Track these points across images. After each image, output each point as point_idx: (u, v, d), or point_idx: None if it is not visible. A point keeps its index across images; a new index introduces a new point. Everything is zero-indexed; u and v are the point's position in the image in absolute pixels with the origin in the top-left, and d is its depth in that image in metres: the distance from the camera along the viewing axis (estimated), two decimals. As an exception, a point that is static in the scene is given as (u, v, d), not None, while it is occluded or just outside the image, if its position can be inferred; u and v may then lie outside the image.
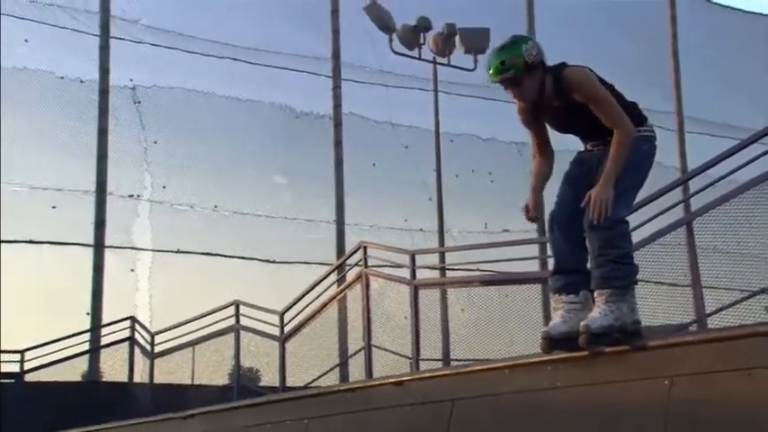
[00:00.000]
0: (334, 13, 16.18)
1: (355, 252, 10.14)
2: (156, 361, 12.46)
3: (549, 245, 4.15)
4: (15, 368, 12.17)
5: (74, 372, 12.75)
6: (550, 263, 4.18)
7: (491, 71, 3.90)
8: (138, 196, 14.33)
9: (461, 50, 14.24)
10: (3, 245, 13.14)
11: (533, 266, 10.46)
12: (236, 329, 11.49)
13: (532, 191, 4.15)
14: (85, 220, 13.72)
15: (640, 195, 4.15)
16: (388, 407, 4.80)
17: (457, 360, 9.09)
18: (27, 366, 12.19)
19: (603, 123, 3.85)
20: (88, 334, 13.06)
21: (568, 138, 4.16)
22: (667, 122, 17.62)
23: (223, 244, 14.62)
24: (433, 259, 11.20)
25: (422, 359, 9.01)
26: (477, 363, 6.07)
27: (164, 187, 14.50)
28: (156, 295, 13.98)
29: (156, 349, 12.53)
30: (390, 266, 9.77)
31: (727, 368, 3.19)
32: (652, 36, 18.87)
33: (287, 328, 10.74)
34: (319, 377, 10.17)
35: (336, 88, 15.97)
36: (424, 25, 14.24)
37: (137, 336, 12.87)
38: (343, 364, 10.30)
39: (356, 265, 10.02)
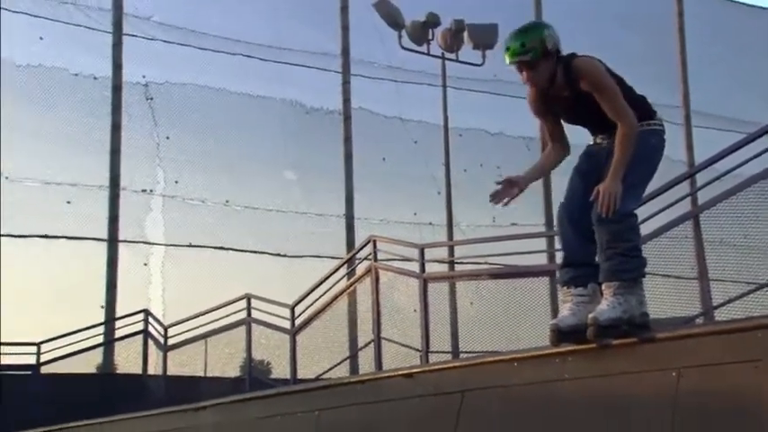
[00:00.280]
0: (344, 9, 16.16)
1: (365, 246, 10.13)
2: (170, 353, 12.50)
3: (557, 238, 4.14)
4: (32, 360, 12.24)
5: (89, 364, 12.81)
6: (558, 256, 4.17)
7: (509, 52, 3.87)
8: (151, 191, 14.38)
9: (470, 46, 14.22)
10: (18, 239, 13.20)
11: (541, 260, 10.43)
12: (248, 322, 11.51)
13: (531, 170, 4.13)
14: (99, 215, 13.77)
15: (648, 189, 4.13)
16: (399, 398, 4.79)
17: (466, 352, 9.08)
18: (43, 358, 12.26)
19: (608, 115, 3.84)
20: (103, 327, 13.12)
21: (579, 133, 4.14)
22: (674, 116, 17.54)
23: (234, 238, 14.64)
24: (442, 253, 11.20)
25: (431, 351, 9.01)
26: (486, 355, 6.08)
27: (176, 182, 14.53)
28: (168, 289, 14.03)
29: (170, 342, 12.57)
30: (399, 260, 9.77)
31: (735, 360, 3.17)
32: (659, 30, 18.77)
33: (298, 321, 10.76)
34: (330, 369, 10.19)
35: (346, 84, 15.96)
36: (432, 21, 14.21)
37: (150, 328, 12.91)
38: (353, 357, 10.31)
39: (366, 258, 10.02)
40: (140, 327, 12.92)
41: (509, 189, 4.02)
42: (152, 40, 14.66)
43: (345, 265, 10.95)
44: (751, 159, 6.08)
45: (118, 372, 13.05)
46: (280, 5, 15.73)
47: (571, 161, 4.13)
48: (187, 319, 12.27)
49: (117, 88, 14.22)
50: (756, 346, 3.11)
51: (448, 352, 9.40)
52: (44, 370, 12.21)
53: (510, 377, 4.10)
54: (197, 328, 12.11)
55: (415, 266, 9.43)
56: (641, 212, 4.08)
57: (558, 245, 4.13)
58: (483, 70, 14.71)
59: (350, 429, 5.10)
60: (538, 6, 17.47)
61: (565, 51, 3.97)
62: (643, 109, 3.93)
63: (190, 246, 14.34)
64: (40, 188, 13.53)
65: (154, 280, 14.02)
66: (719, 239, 6.71)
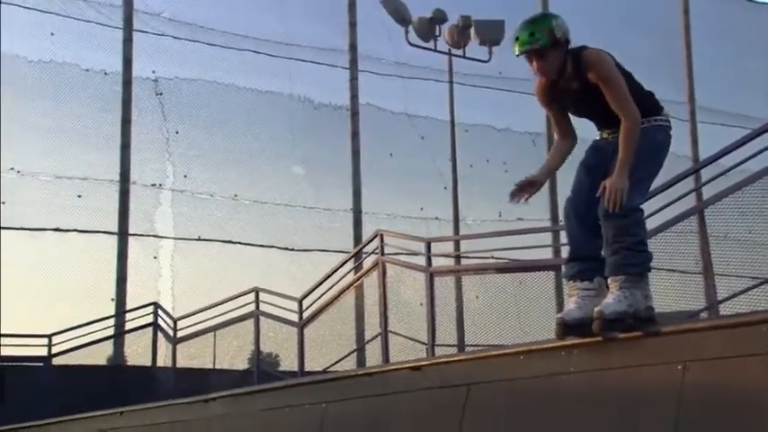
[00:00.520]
0: (352, 5, 16.13)
1: (372, 240, 10.13)
2: (179, 346, 12.52)
3: (563, 232, 4.13)
4: (44, 352, 12.28)
5: (99, 356, 12.85)
6: (564, 250, 4.17)
7: (518, 42, 3.86)
8: (161, 185, 14.39)
9: (476, 42, 14.20)
10: (30, 232, 13.24)
11: (547, 254, 10.41)
12: (256, 315, 11.51)
13: (544, 168, 4.12)
14: (110, 209, 13.80)
15: (654, 184, 4.11)
16: (405, 391, 4.79)
17: (472, 346, 9.07)
18: (55, 350, 12.29)
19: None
20: (113, 319, 13.15)
21: (585, 127, 4.13)
22: (680, 112, 17.48)
23: (243, 232, 14.66)
24: (449, 247, 11.14)
25: (437, 345, 9.00)
26: (492, 348, 6.07)
27: (185, 176, 14.55)
28: (178, 282, 14.05)
29: (179, 334, 12.59)
30: (406, 254, 9.76)
31: (740, 354, 3.17)
32: (665, 28, 18.69)
33: (305, 315, 10.76)
34: (337, 362, 10.19)
35: (354, 80, 15.94)
36: (439, 17, 14.20)
37: (160, 321, 12.93)
38: (360, 350, 10.31)
39: (373, 252, 10.01)
40: (150, 319, 12.94)
41: (528, 188, 4.01)
42: (162, 35, 14.67)
43: (353, 259, 10.95)
44: (755, 155, 6.06)
45: (128, 363, 13.09)
46: (288, 2, 15.72)
47: (578, 155, 4.12)
48: (196, 312, 12.28)
49: (127, 83, 14.24)
50: (761, 341, 3.10)
51: (454, 345, 9.39)
52: (56, 361, 12.24)
53: (516, 370, 4.09)
54: (206, 320, 12.12)
55: (421, 260, 9.42)
56: (647, 207, 4.07)
57: (563, 239, 4.13)
58: (490, 66, 14.69)
59: (357, 421, 5.11)
60: (544, 2, 17.41)
61: (574, 45, 3.96)
62: (650, 104, 3.92)
63: (199, 239, 14.36)
64: (52, 182, 13.57)
65: (163, 273, 14.06)
66: (724, 234, 6.68)
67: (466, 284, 9.52)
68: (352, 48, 16.04)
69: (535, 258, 9.31)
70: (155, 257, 14.06)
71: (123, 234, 13.73)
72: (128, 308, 13.30)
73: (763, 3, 20.20)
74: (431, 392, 4.62)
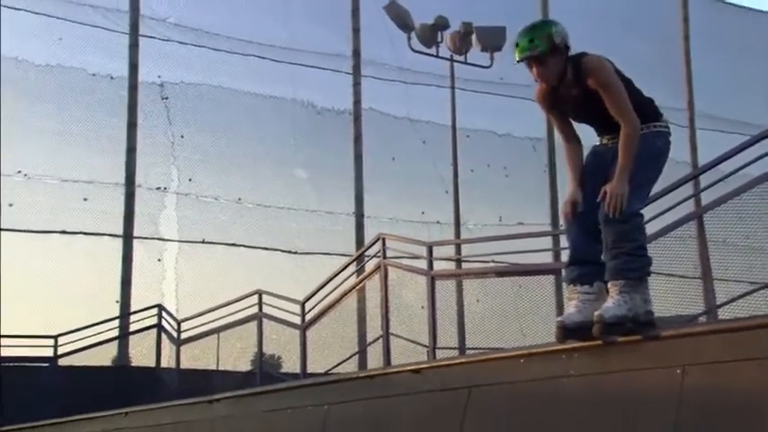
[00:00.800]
0: (355, 12, 16.15)
1: (374, 244, 10.13)
2: (183, 347, 12.52)
3: (563, 236, 4.12)
4: (50, 353, 12.28)
5: (104, 357, 12.85)
6: (564, 254, 4.16)
7: (518, 48, 3.87)
8: (166, 189, 14.39)
9: (478, 48, 14.21)
10: (37, 235, 13.25)
11: (547, 258, 10.41)
12: (259, 317, 11.51)
13: (575, 183, 3.99)
14: (115, 212, 13.80)
15: (654, 189, 4.11)
16: (406, 393, 4.79)
17: (472, 349, 9.06)
18: (61, 351, 12.29)
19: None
20: (118, 321, 13.15)
21: (585, 133, 4.12)
22: (679, 119, 17.47)
23: (247, 235, 14.66)
24: (450, 251, 11.18)
25: (438, 348, 8.99)
26: (493, 351, 6.06)
27: (190, 180, 14.55)
28: (182, 284, 14.05)
29: (183, 336, 12.59)
30: (408, 258, 9.76)
31: (738, 358, 3.16)
32: (664, 36, 18.70)
33: (308, 317, 10.76)
34: (339, 364, 10.18)
35: (356, 85, 15.95)
36: (441, 24, 14.21)
37: (164, 323, 12.93)
38: (361, 352, 10.30)
39: (375, 256, 10.01)
40: (154, 321, 12.94)
41: (575, 207, 3.95)
42: (167, 41, 14.69)
43: (355, 263, 10.95)
44: (754, 161, 6.06)
45: (132, 365, 13.09)
46: (292, 8, 15.74)
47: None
48: (200, 314, 12.28)
49: (133, 88, 14.25)
50: (759, 345, 3.10)
51: (455, 348, 9.39)
52: (62, 362, 12.25)
53: (516, 373, 4.08)
54: (209, 322, 12.12)
55: (423, 264, 9.42)
56: (647, 212, 4.06)
57: (563, 243, 4.12)
58: (491, 72, 14.69)
59: (358, 423, 5.10)
60: (545, 9, 17.43)
61: (574, 52, 3.95)
62: (649, 111, 3.91)
63: (203, 242, 14.36)
64: (58, 185, 13.57)
65: (168, 275, 14.05)
66: (723, 239, 6.68)
67: (467, 288, 9.52)
68: (356, 53, 16.05)
69: (535, 262, 9.30)
70: (159, 260, 14.07)
71: (128, 237, 13.73)
72: (132, 310, 13.30)
73: (762, 11, 20.21)
74: (432, 395, 4.61)
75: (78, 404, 9.56)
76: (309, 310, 10.76)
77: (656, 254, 4.55)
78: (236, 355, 12.19)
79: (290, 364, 11.37)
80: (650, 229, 5.80)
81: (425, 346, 9.07)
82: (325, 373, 9.63)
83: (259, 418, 6.17)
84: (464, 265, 11.13)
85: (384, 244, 9.72)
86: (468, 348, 9.21)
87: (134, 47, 14.34)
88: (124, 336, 13.11)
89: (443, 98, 15.05)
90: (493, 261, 9.89)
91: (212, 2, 15.51)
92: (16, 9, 13.53)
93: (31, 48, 13.75)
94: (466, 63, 14.46)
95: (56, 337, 12.31)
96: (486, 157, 16.65)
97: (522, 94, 13.79)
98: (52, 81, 13.87)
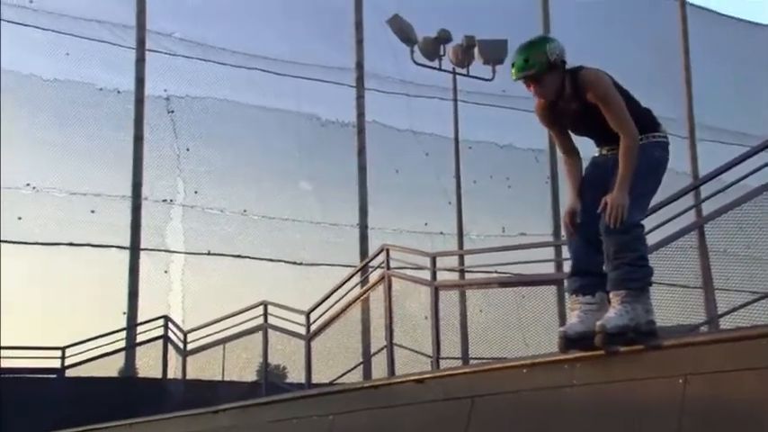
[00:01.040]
0: (358, 25, 16.20)
1: (378, 255, 10.12)
2: (189, 358, 12.51)
3: (565, 247, 4.11)
4: (57, 364, 12.27)
5: (111, 368, 12.84)
6: (566, 265, 4.15)
7: (514, 68, 3.87)
8: (172, 201, 14.42)
9: (480, 61, 14.25)
10: (44, 247, 13.27)
11: (549, 268, 10.39)
12: (265, 328, 11.51)
13: (574, 193, 4.02)
14: (122, 224, 13.82)
15: (653, 200, 4.11)
16: (410, 403, 4.77)
17: (475, 359, 9.04)
18: (68, 362, 12.29)
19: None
20: (125, 332, 13.15)
21: (584, 145, 4.13)
22: (679, 130, 17.48)
23: (252, 247, 14.66)
24: (453, 261, 11.17)
25: (442, 357, 8.97)
26: (496, 361, 6.04)
27: (195, 192, 14.57)
28: (188, 295, 14.05)
29: (189, 347, 12.58)
30: (412, 268, 9.75)
31: (740, 367, 3.15)
32: (665, 48, 18.72)
33: (312, 328, 10.75)
34: (343, 374, 10.16)
35: (360, 98, 15.98)
36: (444, 37, 14.26)
37: (170, 334, 12.93)
38: (366, 362, 10.29)
39: (379, 267, 10.01)
40: (160, 332, 12.94)
41: (574, 217, 3.97)
42: (173, 55, 14.75)
43: (359, 273, 10.95)
44: (754, 172, 6.06)
45: (139, 375, 13.07)
46: (296, 22, 15.79)
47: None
48: (206, 325, 12.28)
49: (139, 102, 14.30)
50: (761, 355, 3.08)
51: (458, 358, 9.37)
52: (69, 373, 12.24)
53: (519, 383, 4.07)
54: (215, 333, 12.12)
55: (426, 275, 9.41)
56: (648, 223, 4.06)
57: (565, 254, 4.11)
58: (493, 85, 14.73)
59: (363, 433, 5.08)
60: (546, 22, 17.47)
61: (572, 65, 3.96)
62: (647, 121, 3.92)
63: (209, 254, 14.37)
64: (66, 198, 13.60)
65: (174, 287, 14.05)
66: (724, 249, 6.67)
67: (470, 298, 9.51)
68: (359, 66, 16.09)
69: (538, 273, 9.29)
70: (165, 272, 14.07)
71: (135, 249, 13.75)
72: (139, 321, 13.30)
73: (761, 24, 20.24)
74: (435, 405, 4.59)
75: (86, 415, 9.54)
76: (314, 321, 10.75)
77: (657, 264, 4.55)
78: (241, 366, 12.17)
79: (295, 375, 11.36)
80: (651, 239, 5.80)
81: (429, 356, 9.05)
82: (330, 384, 9.61)
83: (264, 429, 6.16)
84: (467, 276, 11.13)
85: (388, 255, 9.72)
86: (472, 358, 9.19)
87: (140, 61, 14.40)
88: (131, 347, 13.11)
89: (446, 110, 15.08)
90: (496, 271, 9.89)
91: (217, 17, 15.57)
92: (25, 25, 13.62)
93: (40, 63, 13.82)
94: (468, 76, 14.51)
95: (63, 349, 12.31)
96: (488, 168, 16.66)
97: (523, 106, 13.78)
98: (60, 96, 13.93)
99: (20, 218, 13.14)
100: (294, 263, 14.89)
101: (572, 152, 4.11)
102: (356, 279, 10.75)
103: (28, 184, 13.33)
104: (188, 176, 14.57)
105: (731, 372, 3.17)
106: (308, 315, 10.81)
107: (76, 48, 14.05)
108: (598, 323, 3.68)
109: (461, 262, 12.66)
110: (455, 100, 14.61)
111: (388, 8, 14.63)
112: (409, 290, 9.60)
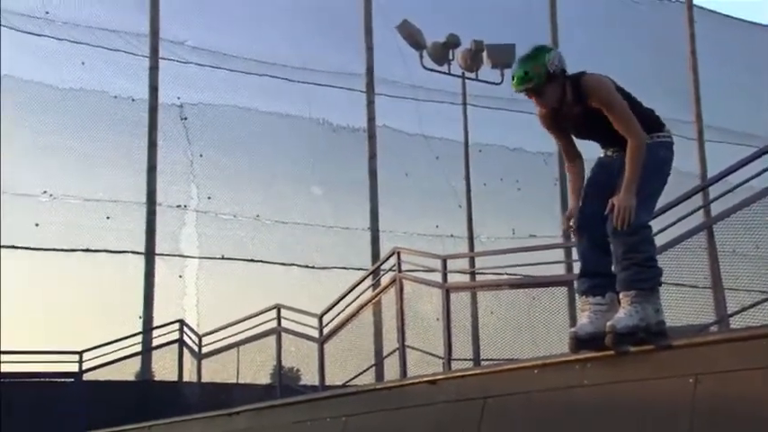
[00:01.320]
0: (368, 31, 16.23)
1: (389, 258, 10.12)
2: (204, 361, 12.54)
3: (574, 249, 4.11)
4: (75, 368, 12.32)
5: (128, 371, 12.88)
6: (576, 266, 4.14)
7: (514, 81, 3.89)
8: (186, 207, 14.46)
9: (489, 65, 14.25)
10: (61, 253, 13.35)
11: (559, 270, 10.36)
12: (278, 331, 11.52)
13: (575, 198, 4.04)
14: (137, 230, 13.88)
15: (662, 201, 4.10)
16: (423, 404, 4.77)
17: (487, 360, 9.02)
18: (85, 366, 12.33)
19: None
20: (140, 336, 13.19)
21: (588, 147, 4.12)
22: (687, 131, 17.41)
23: (265, 251, 14.69)
24: (464, 264, 11.16)
25: (453, 359, 8.96)
26: (507, 362, 6.03)
27: (209, 198, 14.62)
28: (202, 300, 14.09)
29: (204, 350, 12.61)
30: (423, 271, 9.74)
31: (751, 367, 3.13)
32: (672, 53, 18.66)
33: (325, 330, 10.75)
34: (356, 376, 10.16)
35: (370, 103, 16.00)
36: (453, 42, 14.27)
37: (185, 338, 12.96)
38: (378, 364, 10.27)
39: (390, 270, 10.00)
40: (176, 336, 12.97)
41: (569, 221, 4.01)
42: (186, 63, 14.81)
43: (371, 276, 10.95)
44: (762, 173, 6.03)
45: (155, 379, 13.11)
46: (306, 29, 15.83)
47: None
48: (220, 329, 12.31)
49: (153, 109, 14.36)
50: (771, 354, 3.07)
51: (470, 359, 9.34)
52: (86, 377, 12.28)
53: (531, 383, 4.06)
54: (230, 337, 12.13)
55: (437, 277, 9.40)
56: (656, 223, 4.05)
57: (575, 255, 4.10)
58: (501, 88, 14.70)
59: (376, 434, 5.08)
60: (554, 27, 17.44)
61: (579, 69, 3.95)
62: (651, 122, 3.91)
63: (222, 258, 14.41)
64: (82, 205, 13.68)
65: (188, 291, 14.10)
66: (732, 249, 6.63)
67: (481, 300, 9.49)
68: (369, 72, 16.11)
69: (548, 274, 9.26)
70: (180, 276, 14.12)
71: (150, 254, 13.80)
72: (155, 325, 13.35)
73: (766, 25, 20.15)
74: (448, 406, 4.59)
75: (103, 418, 9.58)
76: (327, 324, 10.75)
77: (666, 264, 4.54)
78: (255, 369, 12.19)
79: (309, 377, 11.36)
80: (661, 239, 5.79)
81: (441, 357, 9.03)
82: (343, 386, 9.61)
83: (279, 430, 6.17)
84: (478, 278, 11.11)
85: (399, 258, 9.72)
86: (483, 359, 9.16)
87: (154, 69, 14.47)
88: (147, 351, 13.14)
89: (455, 114, 15.09)
90: (506, 273, 9.86)
91: (229, 25, 15.63)
92: (40, 35, 13.71)
93: (55, 72, 13.91)
94: (477, 80, 14.51)
95: (81, 353, 12.36)
96: (498, 171, 16.65)
97: (532, 109, 13.67)
98: (75, 104, 14.01)
99: (37, 224, 13.23)
100: (306, 266, 14.91)
101: (575, 157, 4.12)
102: (368, 282, 10.74)
103: (45, 192, 13.41)
104: (201, 182, 14.63)
105: (742, 371, 3.16)
106: (320, 318, 10.82)
107: (91, 57, 14.14)
108: (608, 324, 3.68)
109: (472, 264, 12.63)
110: (464, 104, 14.61)
111: (397, 14, 14.65)
112: (421, 292, 9.59)
